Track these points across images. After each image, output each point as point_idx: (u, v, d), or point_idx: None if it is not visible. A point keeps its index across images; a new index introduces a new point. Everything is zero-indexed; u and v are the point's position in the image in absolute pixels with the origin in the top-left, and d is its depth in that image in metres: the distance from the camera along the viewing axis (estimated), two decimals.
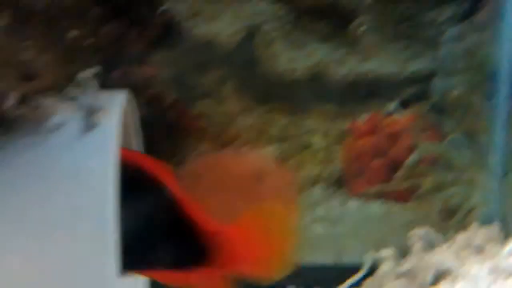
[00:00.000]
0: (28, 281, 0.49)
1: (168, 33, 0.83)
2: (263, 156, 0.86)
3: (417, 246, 0.81)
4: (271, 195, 0.81)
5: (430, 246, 0.81)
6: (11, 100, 0.48)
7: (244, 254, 0.60)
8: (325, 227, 0.89)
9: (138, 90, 0.79)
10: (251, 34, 0.93)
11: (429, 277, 0.75)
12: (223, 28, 0.91)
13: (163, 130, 0.84)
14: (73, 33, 0.47)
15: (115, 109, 0.55)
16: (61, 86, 0.51)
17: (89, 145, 0.51)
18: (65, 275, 0.49)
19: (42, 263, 0.49)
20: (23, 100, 0.50)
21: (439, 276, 0.75)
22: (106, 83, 0.61)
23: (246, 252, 0.60)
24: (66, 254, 0.49)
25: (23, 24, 0.45)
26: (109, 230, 0.49)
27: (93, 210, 0.49)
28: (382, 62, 0.95)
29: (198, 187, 0.78)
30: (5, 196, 0.50)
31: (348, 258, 0.87)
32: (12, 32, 0.44)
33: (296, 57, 0.93)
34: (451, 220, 0.88)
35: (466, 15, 0.94)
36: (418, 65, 0.96)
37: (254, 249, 0.61)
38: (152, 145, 0.83)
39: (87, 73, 0.52)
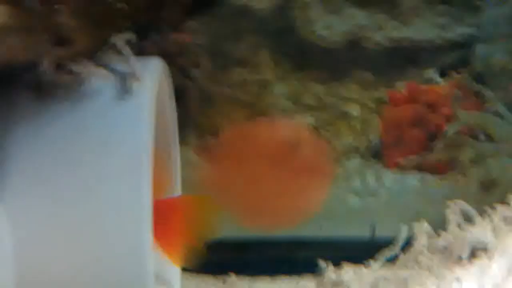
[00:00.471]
0: (60, 250, 0.50)
1: None
2: (297, 125, 0.85)
3: (454, 220, 0.79)
4: (305, 165, 0.80)
5: (467, 220, 0.80)
6: (45, 65, 0.47)
7: (165, 229, 0.60)
8: (360, 199, 0.88)
9: (172, 58, 0.78)
10: None
11: (465, 252, 0.74)
12: None
13: (197, 99, 0.84)
14: None
15: (149, 76, 0.54)
16: (95, 51, 0.51)
17: (123, 112, 0.51)
18: (96, 244, 0.50)
19: (71, 229, 0.49)
20: (57, 65, 0.49)
21: (476, 251, 0.74)
22: (140, 49, 0.60)
23: (168, 229, 0.60)
24: (96, 221, 0.49)
25: None
26: (143, 199, 0.49)
27: (127, 178, 0.49)
28: (421, 27, 0.93)
29: (232, 156, 0.78)
30: (38, 161, 0.50)
31: (383, 232, 0.86)
32: None
33: (333, 22, 0.91)
34: (490, 193, 0.87)
35: None
36: (458, 31, 0.94)
37: (174, 230, 0.60)
38: (186, 114, 0.83)
39: (122, 39, 0.52)
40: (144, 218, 0.49)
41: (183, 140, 0.74)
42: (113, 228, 0.49)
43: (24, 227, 0.49)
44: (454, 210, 0.80)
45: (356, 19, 0.92)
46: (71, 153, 0.50)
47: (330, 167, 0.82)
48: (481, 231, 0.75)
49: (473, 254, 0.73)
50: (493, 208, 0.79)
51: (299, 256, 0.84)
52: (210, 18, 0.89)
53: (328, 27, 0.91)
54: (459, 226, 0.78)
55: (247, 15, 0.92)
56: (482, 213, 0.79)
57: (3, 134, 0.51)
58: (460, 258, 0.74)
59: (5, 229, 0.49)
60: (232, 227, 0.84)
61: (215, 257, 0.84)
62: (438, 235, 0.78)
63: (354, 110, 0.94)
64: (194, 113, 0.84)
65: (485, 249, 0.73)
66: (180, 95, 0.72)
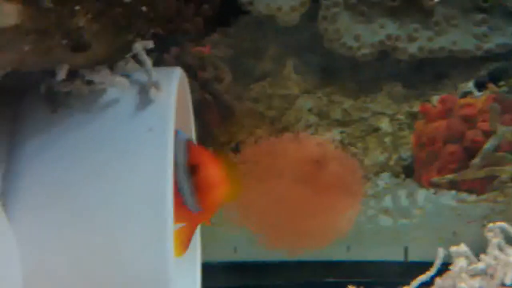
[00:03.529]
0: (77, 269, 0.48)
1: (226, 10, 0.80)
2: (325, 142, 0.83)
3: (494, 242, 0.76)
4: (333, 184, 0.78)
5: (509, 242, 0.76)
6: (61, 73, 0.45)
7: None
8: (391, 219, 0.86)
9: (193, 71, 0.77)
10: (313, 8, 0.89)
11: (508, 277, 0.70)
12: (284, 3, 0.87)
13: (218, 113, 0.82)
14: None
15: (170, 86, 0.53)
16: (114, 59, 0.48)
17: (145, 123, 0.50)
18: (115, 262, 0.48)
19: (88, 247, 0.48)
20: (74, 74, 0.47)
21: None
22: (161, 62, 0.59)
23: None
24: (115, 238, 0.48)
25: None
26: (165, 214, 0.47)
27: (150, 189, 0.48)
28: (457, 37, 0.90)
29: (255, 174, 0.76)
30: (50, 176, 0.49)
31: (417, 255, 0.84)
32: None
33: (362, 33, 0.89)
34: None
35: None
36: (497, 41, 0.91)
37: None
38: (205, 129, 0.81)
39: (141, 46, 0.50)
40: (167, 233, 0.47)
41: None
42: (133, 244, 0.47)
43: (34, 247, 0.48)
44: (494, 231, 0.77)
45: (387, 29, 0.90)
46: (87, 167, 0.49)
47: (359, 186, 0.80)
48: None
49: None
50: None
51: (326, 280, 0.82)
52: (233, 30, 0.88)
53: (357, 38, 0.89)
54: (500, 248, 0.75)
55: (272, 26, 0.91)
56: None
57: (13, 148, 0.49)
58: (502, 284, 0.71)
59: (13, 248, 0.47)
60: (254, 249, 0.82)
61: (237, 282, 0.82)
62: (477, 258, 0.75)
63: (385, 125, 0.92)
64: (215, 129, 0.82)
65: None
66: (200, 110, 0.71)
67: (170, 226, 0.48)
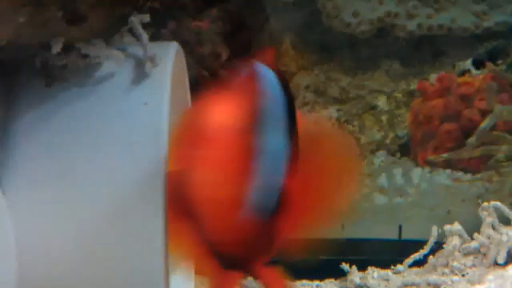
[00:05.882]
0: (66, 246, 0.48)
1: None
2: (321, 119, 0.83)
3: (488, 221, 0.76)
4: (330, 161, 0.77)
5: (502, 221, 0.77)
6: (56, 46, 0.45)
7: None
8: (386, 198, 0.86)
9: (190, 46, 0.76)
10: None
11: (502, 256, 0.71)
12: None
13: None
14: None
15: (166, 61, 0.52)
16: (110, 32, 0.48)
17: (140, 97, 0.49)
18: (105, 241, 0.48)
19: (78, 224, 0.48)
20: (70, 47, 0.47)
21: None
22: (157, 37, 0.58)
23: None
24: (107, 216, 0.48)
25: None
26: (159, 188, 0.47)
27: (144, 165, 0.48)
28: (456, 15, 0.90)
29: None
30: (51, 149, 0.49)
31: (411, 233, 0.84)
32: None
33: (361, 9, 0.89)
34: None
35: None
36: (496, 19, 0.91)
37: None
38: None
39: (138, 20, 0.49)
40: (160, 209, 0.47)
41: None
42: (129, 218, 0.47)
43: (28, 221, 0.48)
44: (488, 210, 0.78)
45: (386, 6, 0.90)
46: (82, 142, 0.49)
47: (356, 164, 0.80)
48: None
49: (510, 258, 0.71)
50: None
51: (320, 258, 0.82)
52: (230, 5, 0.87)
53: (355, 14, 0.89)
54: (493, 227, 0.76)
55: (269, 2, 0.90)
56: None
57: (7, 123, 0.49)
58: (495, 263, 0.71)
59: (7, 223, 0.47)
60: None
61: None
62: (471, 237, 0.76)
63: (382, 103, 0.92)
64: None
65: None
66: (196, 86, 0.70)
67: (163, 202, 0.48)
